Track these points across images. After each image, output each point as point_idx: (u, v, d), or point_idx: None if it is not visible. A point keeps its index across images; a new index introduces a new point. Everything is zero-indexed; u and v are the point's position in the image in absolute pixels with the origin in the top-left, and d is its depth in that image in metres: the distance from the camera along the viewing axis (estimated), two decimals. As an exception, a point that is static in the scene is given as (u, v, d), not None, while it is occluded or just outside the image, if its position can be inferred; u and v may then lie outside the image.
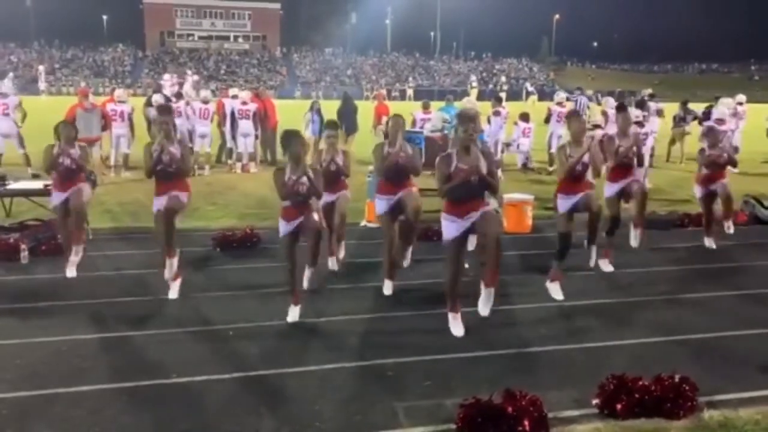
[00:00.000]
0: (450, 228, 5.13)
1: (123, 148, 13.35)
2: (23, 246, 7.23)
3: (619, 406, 3.98)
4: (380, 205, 6.30)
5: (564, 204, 6.15)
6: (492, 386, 4.09)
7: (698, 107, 17.84)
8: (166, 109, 6.56)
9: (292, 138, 5.45)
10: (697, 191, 8.15)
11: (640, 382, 4.09)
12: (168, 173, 6.02)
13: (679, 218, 9.59)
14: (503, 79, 67.82)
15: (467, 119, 5.10)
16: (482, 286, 5.20)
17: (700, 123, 16.77)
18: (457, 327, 5.27)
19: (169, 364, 4.69)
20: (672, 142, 16.43)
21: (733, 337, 5.37)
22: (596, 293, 6.47)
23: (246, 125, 13.89)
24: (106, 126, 12.72)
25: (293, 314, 5.52)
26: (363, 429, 3.86)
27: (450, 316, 5.34)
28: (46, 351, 4.90)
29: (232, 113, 14.00)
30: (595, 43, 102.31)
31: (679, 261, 7.71)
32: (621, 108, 7.60)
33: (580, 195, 6.08)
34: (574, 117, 6.42)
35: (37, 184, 8.47)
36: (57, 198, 6.70)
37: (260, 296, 6.03)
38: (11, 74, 14.81)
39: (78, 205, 6.64)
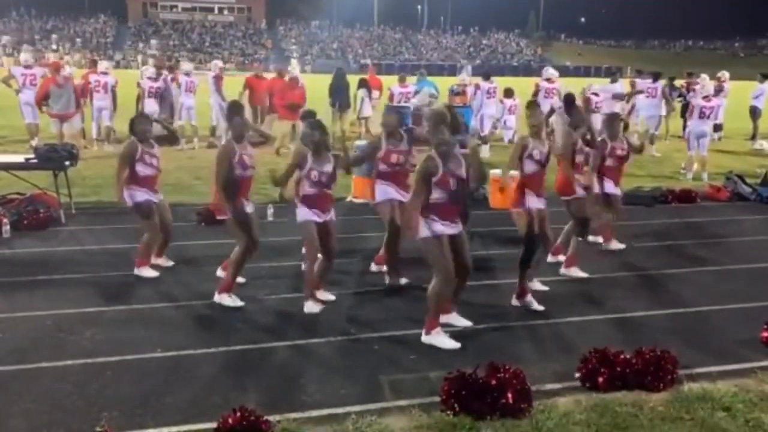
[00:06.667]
0: (436, 226, 4.59)
1: (105, 120, 13.13)
2: (5, 220, 7.15)
3: (600, 380, 4.05)
4: (381, 191, 5.84)
5: (528, 201, 5.45)
6: (476, 360, 4.14)
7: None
8: (236, 108, 5.72)
9: (316, 127, 5.24)
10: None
11: (622, 356, 4.16)
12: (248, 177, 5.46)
13: (663, 194, 9.71)
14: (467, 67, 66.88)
15: (439, 120, 4.78)
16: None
17: (685, 100, 16.84)
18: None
19: (154, 339, 4.69)
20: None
21: (713, 312, 5.47)
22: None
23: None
24: (78, 100, 12.43)
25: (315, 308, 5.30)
26: (348, 402, 3.89)
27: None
28: (29, 326, 4.88)
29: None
30: (583, 19, 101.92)
31: (661, 237, 7.79)
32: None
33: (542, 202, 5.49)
34: (533, 106, 5.64)
35: (18, 158, 8.33)
36: (140, 197, 5.93)
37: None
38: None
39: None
